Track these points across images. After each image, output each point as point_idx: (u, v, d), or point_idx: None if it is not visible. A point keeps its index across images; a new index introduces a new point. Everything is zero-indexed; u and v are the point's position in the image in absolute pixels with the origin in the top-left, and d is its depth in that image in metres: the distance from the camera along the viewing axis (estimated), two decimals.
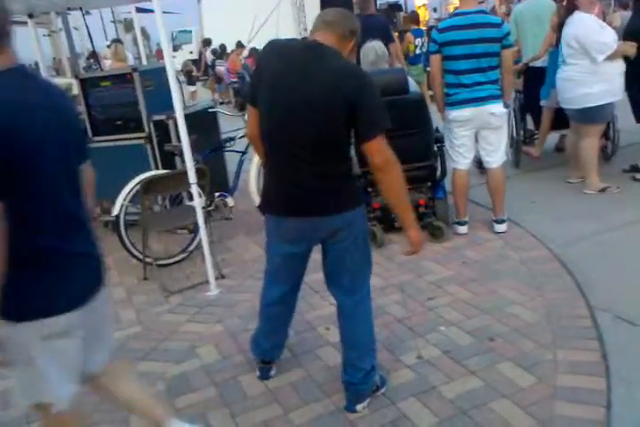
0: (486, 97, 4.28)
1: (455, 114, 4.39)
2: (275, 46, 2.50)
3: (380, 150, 2.34)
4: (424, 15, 19.42)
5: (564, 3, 5.16)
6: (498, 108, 4.33)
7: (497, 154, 4.51)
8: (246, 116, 2.71)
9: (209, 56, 17.77)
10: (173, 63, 4.06)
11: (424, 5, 22.17)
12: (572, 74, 5.01)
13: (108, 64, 15.67)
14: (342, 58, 2.40)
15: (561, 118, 5.54)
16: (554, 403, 2.60)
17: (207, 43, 18.65)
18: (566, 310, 3.36)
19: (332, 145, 2.39)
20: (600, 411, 2.52)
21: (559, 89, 5.20)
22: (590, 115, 5.05)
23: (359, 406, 2.69)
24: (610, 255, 4.03)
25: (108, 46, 18.73)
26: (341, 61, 2.37)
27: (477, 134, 4.48)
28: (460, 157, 4.54)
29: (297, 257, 2.66)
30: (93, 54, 22.29)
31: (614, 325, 3.18)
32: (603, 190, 5.17)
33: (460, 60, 4.22)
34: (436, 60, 4.36)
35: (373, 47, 4.94)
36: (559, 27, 5.15)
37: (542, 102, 5.84)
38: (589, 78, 4.93)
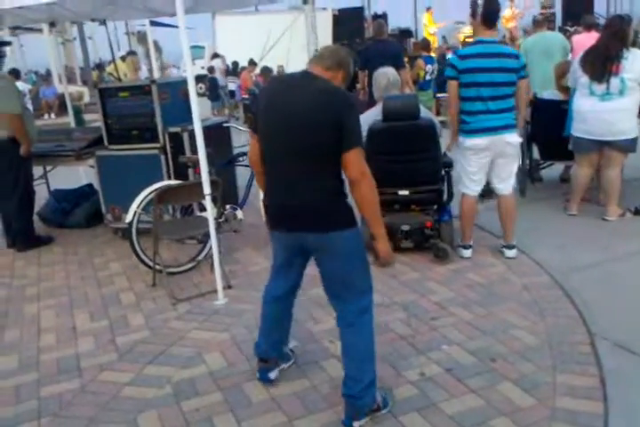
0: (503, 126, 4.35)
1: (471, 142, 4.43)
2: (274, 79, 3.05)
3: (355, 162, 2.53)
4: (434, 42, 19.68)
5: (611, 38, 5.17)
6: (513, 137, 4.41)
7: (509, 181, 4.59)
8: None
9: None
10: (192, 76, 4.13)
11: (435, 33, 22.49)
12: (628, 105, 5.16)
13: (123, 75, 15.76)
14: (329, 82, 2.65)
15: (566, 150, 5.62)
16: (552, 424, 2.66)
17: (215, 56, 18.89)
18: (567, 336, 3.42)
19: (324, 156, 2.56)
20: None
21: (606, 120, 5.18)
22: (636, 143, 5.33)
23: (356, 424, 2.69)
24: (612, 285, 4.11)
25: (122, 58, 18.98)
26: (328, 84, 2.63)
27: (491, 162, 4.53)
28: (472, 184, 4.60)
29: (293, 263, 2.91)
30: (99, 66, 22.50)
31: (613, 352, 3.24)
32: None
33: (480, 87, 4.30)
34: (453, 85, 4.42)
35: (386, 73, 5.03)
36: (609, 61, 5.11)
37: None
38: (637, 109, 5.26)
